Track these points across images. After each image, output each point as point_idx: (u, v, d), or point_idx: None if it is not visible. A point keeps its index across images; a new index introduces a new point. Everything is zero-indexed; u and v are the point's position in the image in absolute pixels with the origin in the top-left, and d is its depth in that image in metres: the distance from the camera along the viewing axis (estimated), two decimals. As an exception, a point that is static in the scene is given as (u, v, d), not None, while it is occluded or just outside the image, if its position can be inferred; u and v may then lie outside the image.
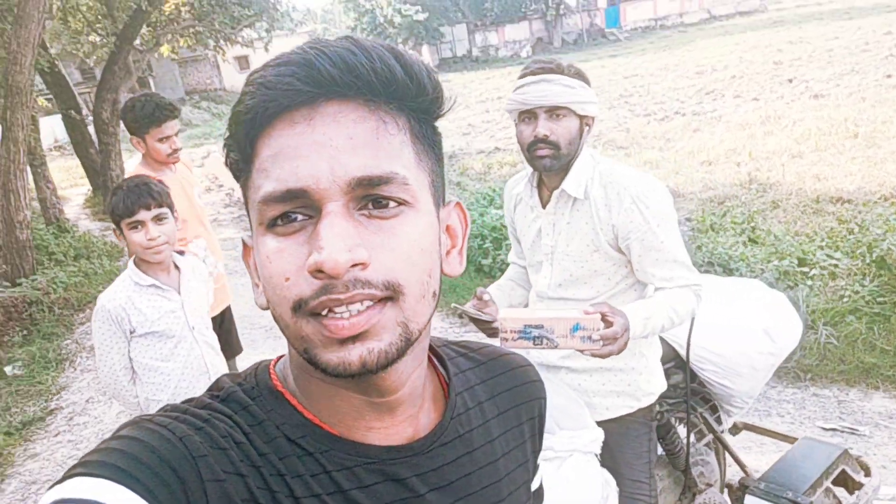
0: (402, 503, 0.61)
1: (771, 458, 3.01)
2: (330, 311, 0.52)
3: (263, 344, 5.20)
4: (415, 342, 0.57)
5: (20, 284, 6.85)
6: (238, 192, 12.17)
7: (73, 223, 9.75)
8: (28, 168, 8.62)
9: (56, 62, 10.52)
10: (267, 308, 0.58)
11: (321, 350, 0.53)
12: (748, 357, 2.13)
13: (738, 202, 6.77)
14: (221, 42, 13.90)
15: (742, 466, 2.35)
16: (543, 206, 1.89)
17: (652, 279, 1.80)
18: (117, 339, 2.14)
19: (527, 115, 1.78)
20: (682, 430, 2.25)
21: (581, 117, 1.77)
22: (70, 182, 14.94)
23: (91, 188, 12.00)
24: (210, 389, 0.63)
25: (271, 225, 0.54)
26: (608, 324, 1.57)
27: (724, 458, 2.43)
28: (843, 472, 2.07)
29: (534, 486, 0.78)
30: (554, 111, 1.74)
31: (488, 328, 1.85)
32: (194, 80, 35.20)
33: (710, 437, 2.33)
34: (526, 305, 2.14)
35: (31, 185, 9.64)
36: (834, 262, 4.50)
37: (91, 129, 11.09)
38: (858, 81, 12.93)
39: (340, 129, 0.53)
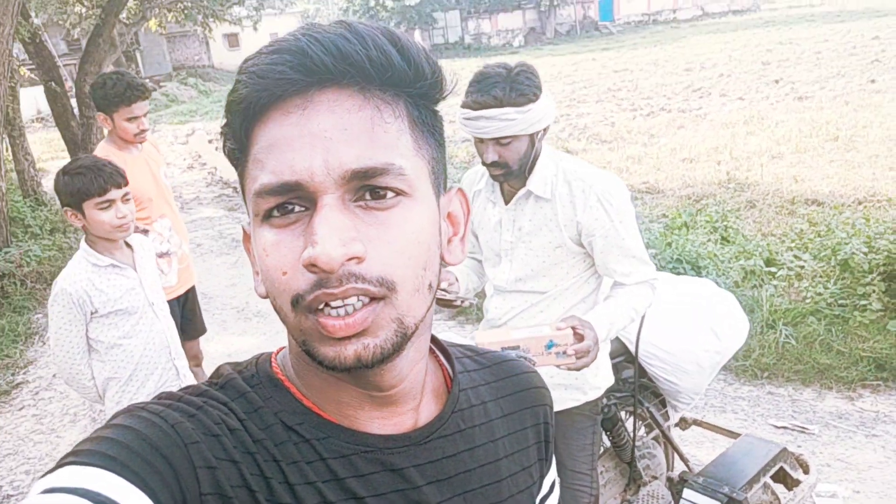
0: (399, 494, 0.60)
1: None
2: (326, 305, 0.52)
3: (234, 325, 5.20)
4: (412, 336, 0.56)
5: (-7, 256, 6.79)
6: (220, 172, 12.12)
7: (52, 196, 9.64)
8: (6, 139, 8.54)
9: (39, 32, 10.35)
10: (266, 297, 0.57)
11: (318, 344, 0.53)
12: (694, 354, 2.17)
13: (714, 200, 6.83)
14: (210, 19, 13.74)
15: (684, 461, 2.40)
16: (506, 202, 1.92)
17: (612, 274, 1.85)
18: (76, 322, 2.14)
19: (477, 137, 1.79)
20: (630, 424, 2.29)
21: (531, 134, 1.78)
22: (51, 154, 14.75)
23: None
24: (210, 377, 0.63)
25: (267, 217, 0.54)
26: (579, 337, 1.64)
27: (671, 452, 2.48)
28: (782, 469, 2.12)
29: None
30: (500, 139, 1.74)
31: (451, 306, 1.91)
32: (182, 55, 34.80)
33: (657, 430, 2.38)
34: (482, 295, 2.17)
35: (10, 156, 9.54)
36: (801, 263, 4.57)
37: (74, 101, 10.95)
38: (843, 85, 13.06)
39: (335, 120, 0.52)
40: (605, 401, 2.11)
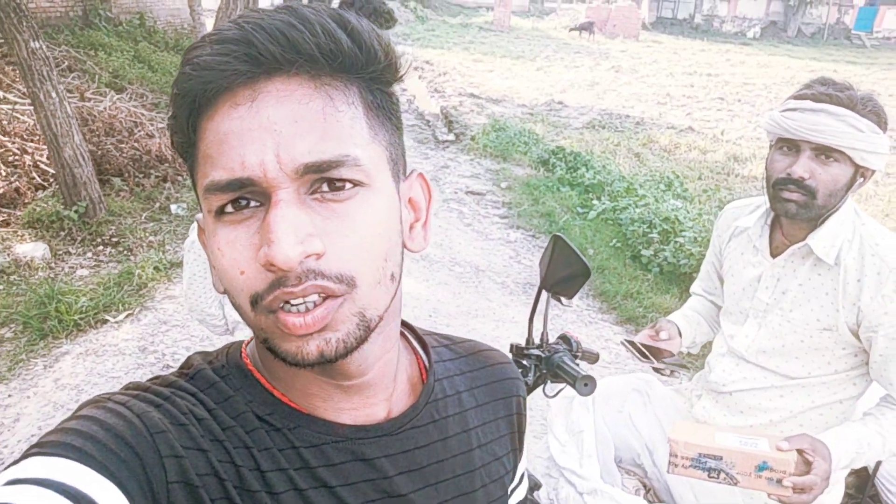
0: (370, 484, 0.60)
1: None
2: (286, 303, 0.51)
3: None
4: (377, 327, 0.56)
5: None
6: (417, 102, 12.23)
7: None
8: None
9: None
10: (225, 293, 0.56)
11: (280, 341, 0.53)
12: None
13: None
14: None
15: None
16: (773, 255, 1.55)
17: (888, 387, 1.45)
18: (210, 270, 2.07)
19: (786, 144, 1.42)
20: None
21: (857, 167, 1.40)
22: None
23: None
24: (180, 367, 0.62)
25: (220, 213, 0.52)
26: (806, 465, 1.28)
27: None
28: None
29: (516, 499, 0.77)
30: (824, 151, 1.38)
31: (658, 371, 1.61)
32: (410, -24, 35.38)
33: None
34: (708, 350, 1.83)
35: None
36: None
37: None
38: None
39: (285, 112, 0.50)
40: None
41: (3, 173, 5.43)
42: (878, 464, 1.75)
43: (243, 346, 0.64)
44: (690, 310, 1.86)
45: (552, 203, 6.49)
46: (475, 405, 0.72)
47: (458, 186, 7.13)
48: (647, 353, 1.61)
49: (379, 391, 0.62)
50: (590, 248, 5.41)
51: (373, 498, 0.60)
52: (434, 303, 4.45)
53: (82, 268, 4.77)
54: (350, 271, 0.52)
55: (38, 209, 5.14)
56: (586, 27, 24.73)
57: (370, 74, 0.54)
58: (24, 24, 4.64)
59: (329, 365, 0.54)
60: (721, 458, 1.29)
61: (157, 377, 0.60)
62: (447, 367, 0.72)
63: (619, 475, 1.67)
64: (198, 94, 0.51)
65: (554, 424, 1.73)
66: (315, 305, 0.51)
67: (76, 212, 5.15)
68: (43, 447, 0.48)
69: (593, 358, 1.81)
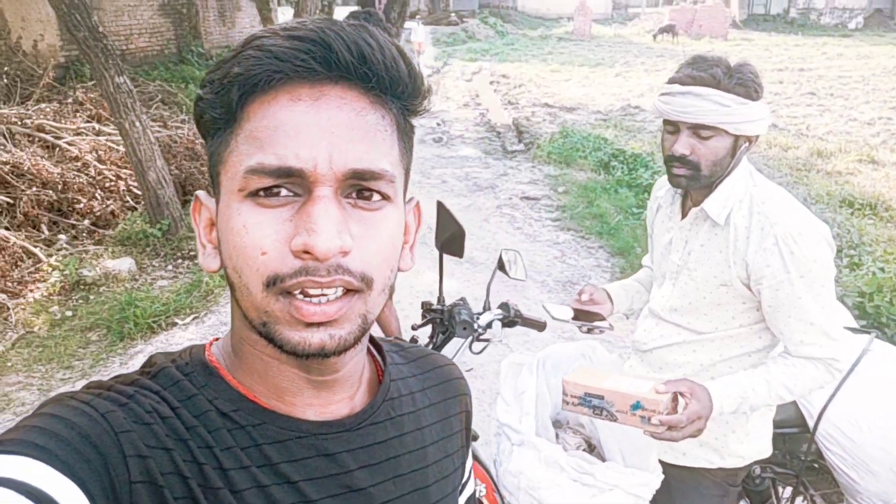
0: (332, 478, 0.61)
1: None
2: (304, 292, 0.54)
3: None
4: (368, 330, 0.60)
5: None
6: (490, 114, 12.40)
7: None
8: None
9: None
10: (216, 271, 0.61)
11: (283, 327, 0.55)
12: (891, 456, 1.73)
13: None
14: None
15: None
16: (682, 219, 1.67)
17: (780, 337, 1.53)
18: None
19: (670, 125, 1.55)
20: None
21: (736, 136, 1.50)
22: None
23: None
24: (142, 366, 0.63)
25: (253, 194, 0.55)
26: (682, 404, 1.41)
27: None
28: None
29: (465, 494, 0.79)
30: (699, 128, 1.49)
31: (590, 331, 1.75)
32: (492, -6, 35.92)
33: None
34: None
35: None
36: None
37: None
38: None
39: (343, 118, 0.54)
40: (757, 470, 1.80)
41: (99, 197, 6.11)
42: (818, 422, 1.79)
43: (207, 346, 0.65)
44: (632, 279, 1.98)
45: (606, 205, 6.53)
46: (428, 404, 0.75)
47: (513, 192, 7.29)
48: (562, 315, 1.75)
49: (346, 388, 0.64)
50: (638, 247, 5.43)
51: (335, 492, 0.61)
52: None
53: (163, 279, 5.30)
54: (370, 273, 0.56)
55: (127, 228, 5.75)
56: (667, 29, 24.25)
57: (413, 106, 0.60)
58: (111, 61, 5.24)
59: (320, 359, 0.57)
60: (603, 398, 1.42)
61: (118, 376, 0.61)
62: (400, 369, 0.75)
63: (553, 430, 1.81)
64: (262, 78, 0.53)
65: (503, 387, 1.90)
66: (331, 300, 0.54)
67: (160, 229, 5.72)
68: (4, 444, 0.48)
69: (539, 326, 1.96)
